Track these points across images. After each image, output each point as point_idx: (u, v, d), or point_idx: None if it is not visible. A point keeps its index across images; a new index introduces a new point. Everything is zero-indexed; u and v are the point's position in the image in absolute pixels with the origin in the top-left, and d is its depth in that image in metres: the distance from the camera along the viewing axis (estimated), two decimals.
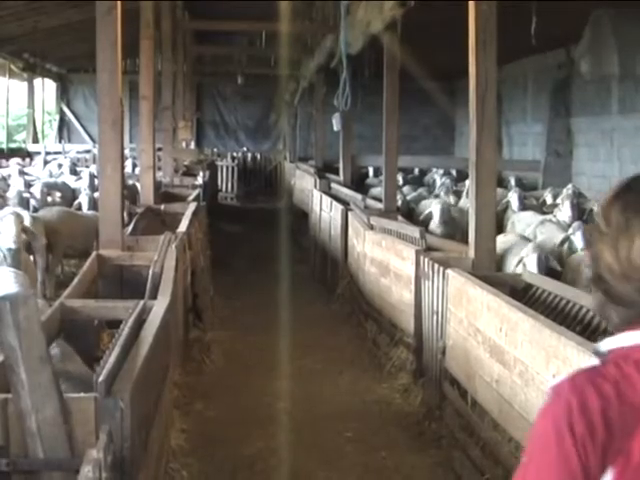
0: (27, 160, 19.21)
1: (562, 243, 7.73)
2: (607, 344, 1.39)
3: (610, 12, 11.64)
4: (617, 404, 1.29)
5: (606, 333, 4.58)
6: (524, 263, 6.70)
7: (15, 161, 16.93)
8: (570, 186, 11.68)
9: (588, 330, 4.67)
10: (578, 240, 7.78)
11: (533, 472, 1.32)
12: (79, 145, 23.74)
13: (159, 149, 12.93)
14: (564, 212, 9.37)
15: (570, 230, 7.97)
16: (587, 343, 3.74)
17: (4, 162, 17.11)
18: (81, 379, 3.58)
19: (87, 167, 16.38)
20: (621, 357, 1.34)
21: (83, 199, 10.40)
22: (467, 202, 9.33)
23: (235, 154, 25.19)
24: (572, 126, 16.28)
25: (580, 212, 9.55)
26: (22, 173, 13.60)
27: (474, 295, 5.13)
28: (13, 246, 6.86)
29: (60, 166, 16.18)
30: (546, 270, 6.61)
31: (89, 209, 10.01)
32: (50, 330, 4.01)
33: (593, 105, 15.17)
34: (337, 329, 8.91)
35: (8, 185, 11.49)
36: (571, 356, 3.66)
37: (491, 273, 5.80)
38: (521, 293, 5.63)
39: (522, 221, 9.56)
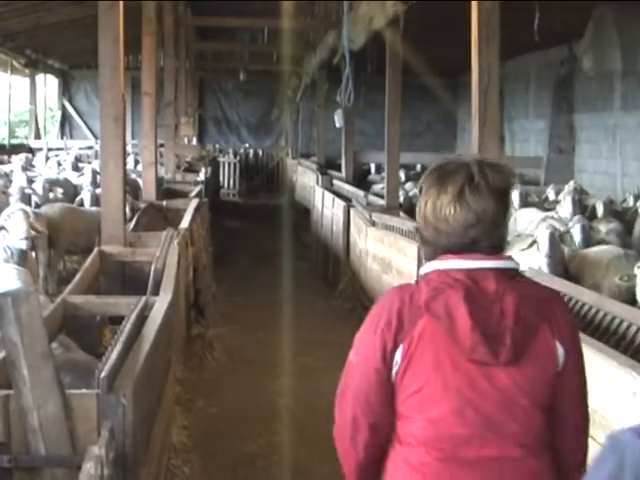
0: (29, 156, 19.18)
1: (562, 239, 7.58)
2: (421, 270, 2.18)
3: (612, 8, 11.62)
4: (409, 306, 2.07)
5: (609, 332, 4.57)
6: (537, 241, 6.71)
7: (21, 157, 16.89)
8: (572, 182, 11.65)
9: (591, 327, 4.66)
10: (577, 234, 7.71)
11: (357, 347, 2.16)
12: (81, 141, 23.72)
13: (161, 145, 12.92)
14: (565, 208, 9.28)
15: (570, 224, 7.88)
16: (588, 339, 3.73)
17: (6, 158, 17.09)
18: (88, 368, 3.57)
19: (89, 163, 16.35)
20: (421, 277, 2.14)
21: (85, 195, 10.38)
22: None
23: (237, 150, 25.19)
24: (574, 122, 16.25)
25: (582, 208, 9.51)
26: (25, 169, 13.59)
27: None
28: (24, 247, 6.77)
29: (60, 163, 16.10)
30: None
31: (91, 205, 9.99)
32: (52, 326, 4.02)
33: (596, 101, 15.14)
34: (339, 326, 8.90)
35: (10, 181, 11.48)
36: None
37: None
38: None
39: (524, 218, 9.52)
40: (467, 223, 2.09)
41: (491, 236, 2.13)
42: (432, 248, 2.18)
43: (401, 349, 2.06)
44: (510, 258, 2.17)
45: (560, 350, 2.11)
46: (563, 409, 2.16)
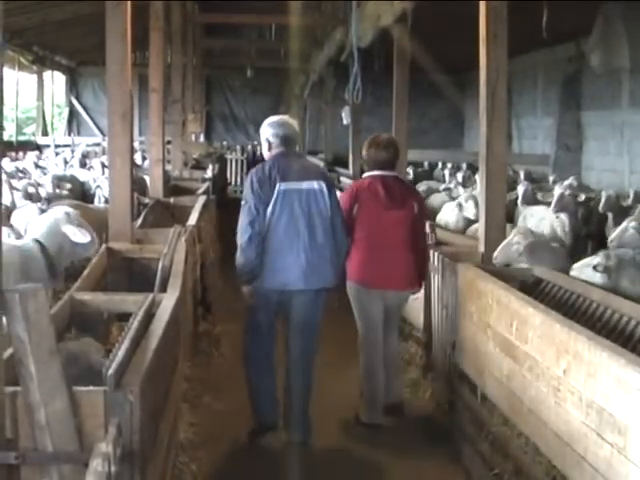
0: (38, 153, 19.16)
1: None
2: (364, 175, 6.19)
3: (620, 5, 11.56)
4: (361, 187, 5.90)
5: (617, 329, 4.55)
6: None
7: (33, 154, 16.90)
8: (571, 178, 11.48)
9: (598, 325, 4.65)
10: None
11: (342, 200, 5.70)
12: (88, 138, 23.72)
13: (168, 142, 12.92)
14: (552, 202, 8.86)
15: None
16: (597, 337, 3.71)
17: (13, 154, 17.09)
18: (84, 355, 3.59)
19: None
20: (366, 177, 6.06)
21: (100, 191, 10.27)
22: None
23: (244, 147, 25.17)
24: (582, 120, 16.19)
25: (576, 205, 9.23)
26: (37, 166, 13.58)
27: (484, 290, 5.11)
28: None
29: (67, 161, 16.03)
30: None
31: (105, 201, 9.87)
32: (59, 323, 4.02)
33: (603, 99, 15.08)
34: (346, 323, 8.88)
35: (22, 177, 11.48)
36: (581, 351, 3.63)
37: (501, 267, 5.78)
38: (531, 287, 5.60)
39: (535, 215, 9.40)
40: (380, 158, 5.86)
41: (391, 164, 5.90)
42: (369, 167, 5.95)
43: (356, 203, 5.72)
44: (395, 172, 5.96)
45: (415, 205, 5.83)
46: (416, 230, 5.84)
